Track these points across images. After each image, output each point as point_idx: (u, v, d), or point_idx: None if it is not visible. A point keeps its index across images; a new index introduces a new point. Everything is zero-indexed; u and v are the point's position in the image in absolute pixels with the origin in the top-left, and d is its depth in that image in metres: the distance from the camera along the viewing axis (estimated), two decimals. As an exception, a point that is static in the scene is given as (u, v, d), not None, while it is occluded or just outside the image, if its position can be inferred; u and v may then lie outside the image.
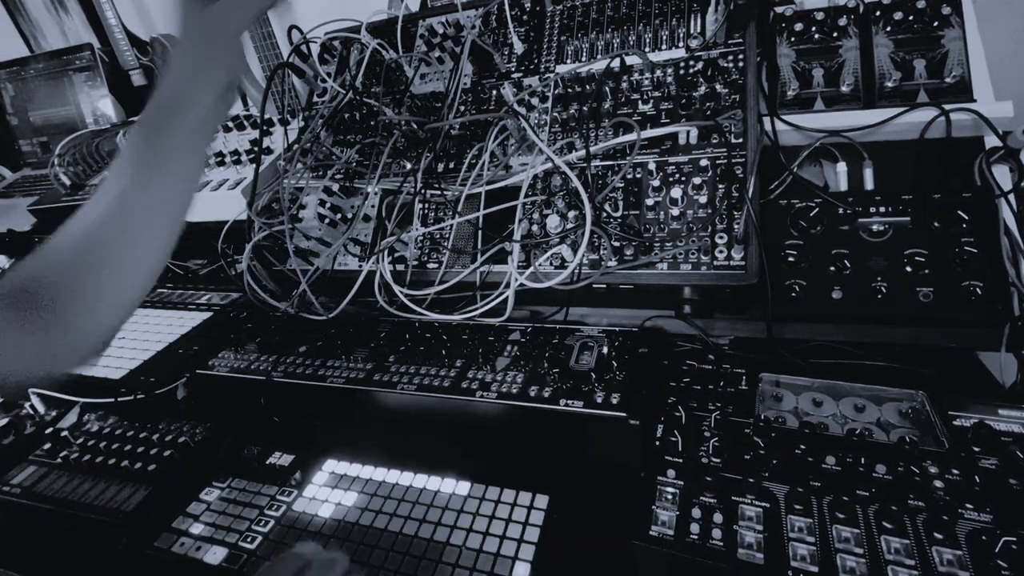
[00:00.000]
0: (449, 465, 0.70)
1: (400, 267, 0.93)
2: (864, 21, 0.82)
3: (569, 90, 0.91)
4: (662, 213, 0.80)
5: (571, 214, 0.83)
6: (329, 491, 0.70)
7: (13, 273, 0.49)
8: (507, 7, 0.97)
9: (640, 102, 0.87)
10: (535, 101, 0.93)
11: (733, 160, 0.79)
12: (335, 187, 0.97)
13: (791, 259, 0.75)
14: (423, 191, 0.95)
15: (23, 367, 0.48)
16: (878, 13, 0.81)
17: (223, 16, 0.59)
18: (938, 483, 0.54)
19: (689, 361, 0.75)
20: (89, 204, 0.52)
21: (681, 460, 0.61)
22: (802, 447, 0.59)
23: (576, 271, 0.79)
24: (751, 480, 0.57)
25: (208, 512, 0.70)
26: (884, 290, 0.70)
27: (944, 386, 0.65)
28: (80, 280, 0.49)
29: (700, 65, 0.85)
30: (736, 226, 0.75)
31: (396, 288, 0.88)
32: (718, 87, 0.83)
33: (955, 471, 0.55)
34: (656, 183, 0.82)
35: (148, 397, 0.90)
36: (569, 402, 0.67)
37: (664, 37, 0.90)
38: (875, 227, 0.73)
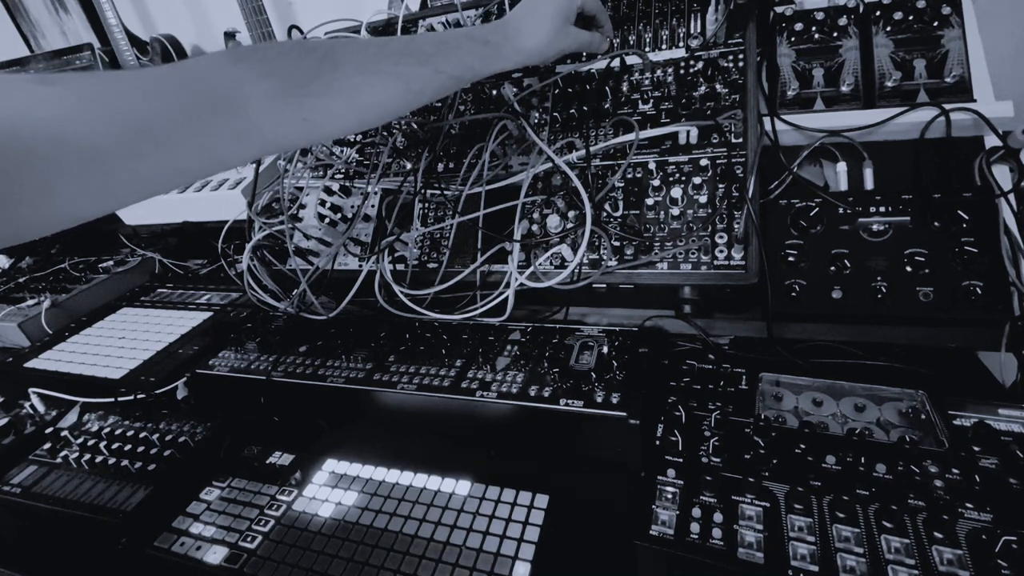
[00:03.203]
0: (449, 465, 0.70)
1: (400, 267, 0.93)
2: (864, 21, 0.82)
3: (569, 90, 0.91)
4: (662, 213, 0.80)
5: (571, 214, 0.83)
6: (329, 491, 0.70)
7: None
8: (507, 7, 0.97)
9: (640, 102, 0.87)
10: (535, 101, 0.93)
11: (733, 160, 0.79)
12: (335, 187, 0.97)
13: (791, 259, 0.76)
14: (423, 191, 0.95)
15: None
16: (878, 13, 0.81)
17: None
18: (938, 483, 0.54)
19: (689, 361, 0.76)
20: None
21: (681, 460, 0.61)
22: (802, 447, 0.59)
23: (576, 271, 0.79)
24: (751, 480, 0.57)
25: (208, 512, 0.70)
26: (884, 290, 0.70)
27: (944, 386, 0.65)
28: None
29: (700, 65, 0.85)
30: (736, 226, 0.75)
31: (396, 288, 0.88)
32: (718, 87, 0.83)
33: (955, 471, 0.55)
34: (656, 183, 0.82)
35: (148, 397, 0.90)
36: (569, 402, 0.67)
37: (664, 37, 0.90)
38: (875, 227, 0.73)
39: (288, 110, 0.52)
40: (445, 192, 0.93)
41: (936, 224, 0.71)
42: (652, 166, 0.83)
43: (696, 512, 0.55)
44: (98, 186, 0.42)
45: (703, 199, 0.78)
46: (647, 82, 0.88)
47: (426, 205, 0.96)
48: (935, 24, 0.78)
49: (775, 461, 0.59)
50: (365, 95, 0.58)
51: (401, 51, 0.62)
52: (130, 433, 0.84)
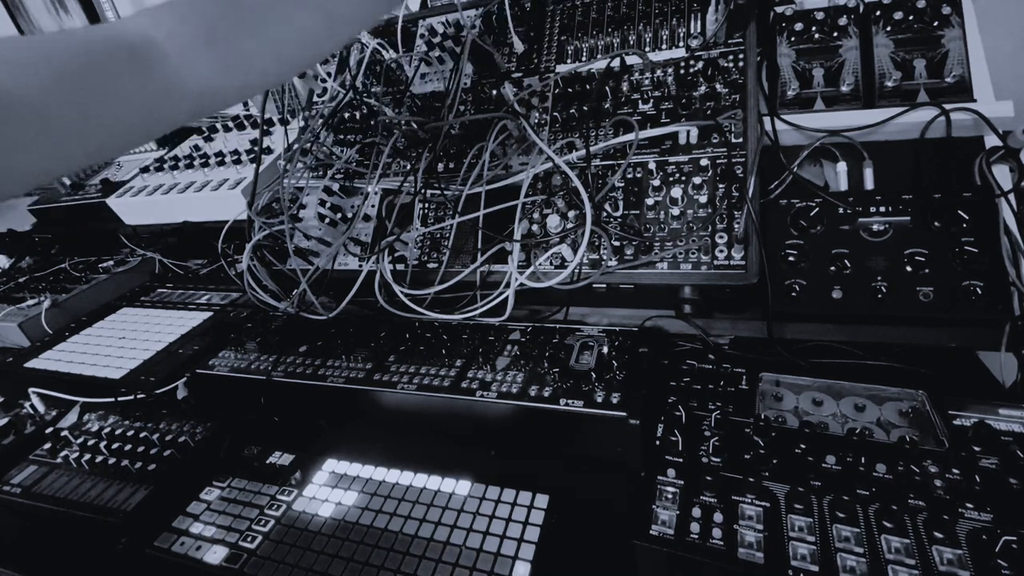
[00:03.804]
0: (449, 465, 0.70)
1: (400, 267, 0.93)
2: (864, 21, 0.82)
3: (569, 90, 0.91)
4: (662, 213, 0.80)
5: (571, 214, 0.83)
6: (329, 491, 0.70)
7: None
8: (507, 7, 0.97)
9: (640, 102, 0.87)
10: (535, 101, 0.93)
11: (733, 160, 0.79)
12: (335, 187, 0.97)
13: (791, 259, 0.76)
14: (423, 191, 0.95)
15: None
16: (878, 13, 0.81)
17: None
18: (938, 483, 0.54)
19: (689, 361, 0.76)
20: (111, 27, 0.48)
21: (681, 460, 0.61)
22: (802, 447, 0.59)
23: (576, 271, 0.79)
24: (751, 480, 0.57)
25: (208, 512, 0.70)
26: (884, 290, 0.70)
27: (944, 386, 0.65)
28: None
29: (700, 65, 0.85)
30: (736, 226, 0.75)
31: (396, 288, 0.88)
32: (718, 87, 0.83)
33: (955, 471, 0.55)
34: (656, 183, 0.82)
35: (148, 397, 0.90)
36: (569, 402, 0.67)
37: (664, 37, 0.90)
38: (875, 227, 0.73)
39: (205, 58, 0.51)
40: (445, 192, 0.93)
41: (936, 224, 0.71)
42: (652, 166, 0.83)
43: (696, 512, 0.55)
44: (47, 141, 0.42)
45: (703, 199, 0.78)
46: (647, 82, 0.88)
47: (426, 205, 0.96)
48: (935, 24, 0.78)
49: (775, 461, 0.59)
50: (278, 30, 0.54)
51: None
52: (130, 433, 0.84)
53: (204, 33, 0.51)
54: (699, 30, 0.88)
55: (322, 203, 0.94)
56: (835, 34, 0.83)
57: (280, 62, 0.57)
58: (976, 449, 0.57)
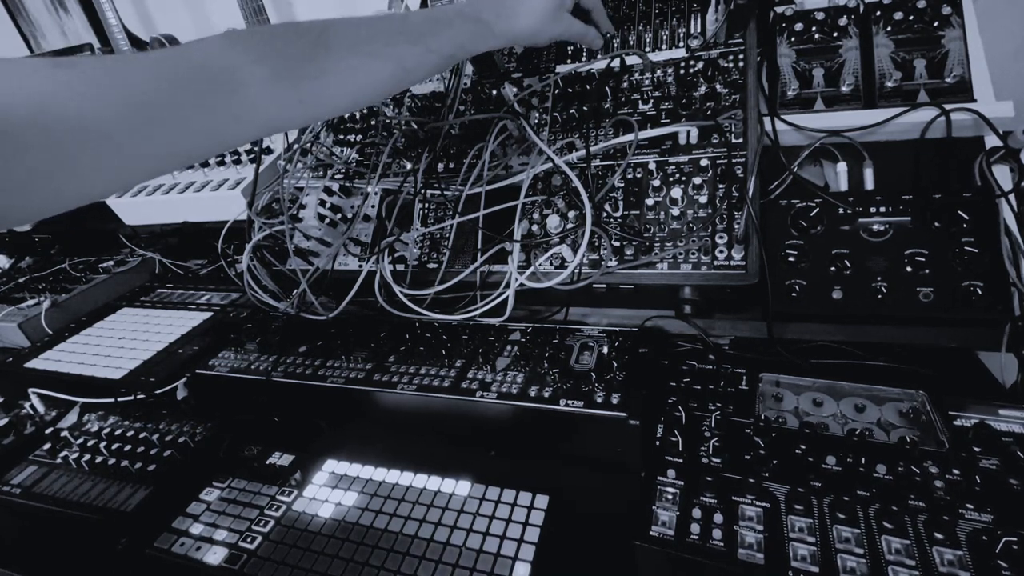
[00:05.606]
0: (449, 465, 0.70)
1: (400, 267, 0.93)
2: (864, 21, 0.82)
3: (569, 90, 0.91)
4: (662, 213, 0.80)
5: (571, 214, 0.83)
6: (329, 491, 0.70)
7: None
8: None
9: (640, 102, 0.87)
10: (535, 101, 0.93)
11: (733, 160, 0.79)
12: (335, 187, 0.97)
13: (791, 259, 0.75)
14: (423, 191, 0.95)
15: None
16: (878, 13, 0.81)
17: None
18: (938, 483, 0.54)
19: (689, 361, 0.76)
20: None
21: (681, 460, 0.61)
22: (802, 447, 0.59)
23: (576, 271, 0.79)
24: (751, 480, 0.57)
25: (208, 512, 0.70)
26: (884, 290, 0.70)
27: (944, 386, 0.65)
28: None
29: (700, 65, 0.85)
30: (736, 226, 0.75)
31: (396, 288, 0.88)
32: (718, 87, 0.83)
33: (955, 471, 0.55)
34: (656, 183, 0.82)
35: (148, 397, 0.90)
36: (569, 402, 0.67)
37: (664, 37, 0.90)
38: (875, 227, 0.73)
39: (285, 93, 0.53)
40: (445, 192, 0.93)
41: (936, 224, 0.71)
42: (652, 166, 0.83)
43: (696, 513, 0.55)
44: (109, 166, 0.44)
45: (703, 199, 0.78)
46: (647, 82, 0.88)
47: (426, 205, 0.96)
48: (935, 24, 0.78)
49: (775, 462, 0.59)
50: (359, 76, 0.59)
51: (393, 30, 0.62)
52: (130, 433, 0.84)
53: (289, 71, 0.53)
54: (699, 30, 0.88)
55: (322, 203, 0.94)
56: (835, 34, 0.83)
57: (349, 102, 0.61)
58: (976, 450, 0.57)
